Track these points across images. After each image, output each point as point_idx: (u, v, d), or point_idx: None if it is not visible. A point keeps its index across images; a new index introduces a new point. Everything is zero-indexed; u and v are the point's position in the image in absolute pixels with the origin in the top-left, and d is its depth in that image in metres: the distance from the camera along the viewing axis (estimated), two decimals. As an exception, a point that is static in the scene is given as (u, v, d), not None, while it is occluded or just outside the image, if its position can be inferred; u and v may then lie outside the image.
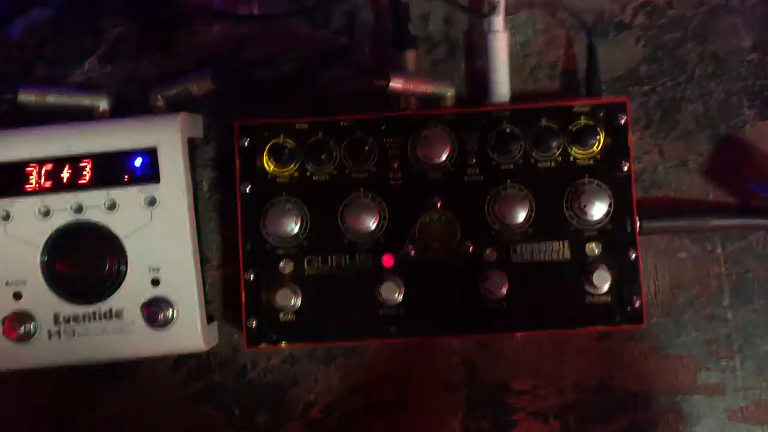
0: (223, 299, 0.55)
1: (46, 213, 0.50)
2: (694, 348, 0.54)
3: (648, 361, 0.55)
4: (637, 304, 0.51)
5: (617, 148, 0.51)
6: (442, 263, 0.51)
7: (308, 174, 0.52)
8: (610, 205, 0.51)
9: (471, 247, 0.51)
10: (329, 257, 0.51)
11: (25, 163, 0.50)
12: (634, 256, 0.51)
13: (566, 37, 0.56)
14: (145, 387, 0.55)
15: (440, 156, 0.51)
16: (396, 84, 0.51)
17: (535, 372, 0.55)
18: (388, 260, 0.51)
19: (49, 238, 0.50)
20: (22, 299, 0.50)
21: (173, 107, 0.53)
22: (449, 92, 0.54)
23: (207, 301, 0.53)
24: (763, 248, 0.55)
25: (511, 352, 0.55)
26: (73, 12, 0.56)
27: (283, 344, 0.52)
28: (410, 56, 0.54)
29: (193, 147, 0.53)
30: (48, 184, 0.50)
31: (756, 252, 0.55)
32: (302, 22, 0.56)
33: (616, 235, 0.51)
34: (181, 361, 0.55)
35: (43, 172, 0.50)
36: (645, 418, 0.54)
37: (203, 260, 0.53)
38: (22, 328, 0.50)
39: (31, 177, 0.50)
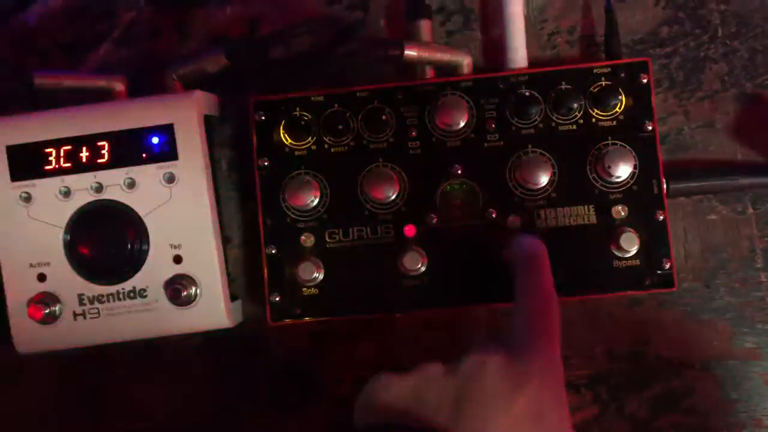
0: (247, 278, 0.54)
1: (67, 194, 0.50)
2: (728, 312, 0.53)
3: (681, 328, 0.53)
4: (667, 266, 0.50)
5: (640, 108, 0.50)
6: (464, 231, 0.50)
7: (326, 146, 0.51)
8: (635, 166, 0.49)
9: (494, 214, 0.50)
10: (350, 229, 0.51)
11: (44, 145, 0.50)
12: (662, 217, 0.50)
13: (584, 0, 0.55)
14: (172, 365, 0.55)
15: (458, 123, 0.50)
16: (411, 52, 0.51)
17: (565, 341, 0.53)
18: (410, 230, 0.50)
19: (70, 219, 0.50)
20: (47, 281, 0.50)
21: (189, 88, 0.53)
22: (466, 60, 0.53)
23: (230, 279, 0.52)
24: (796, 207, 0.53)
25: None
26: (87, -3, 0.57)
27: (307, 319, 0.51)
28: (425, 26, 0.53)
29: (210, 125, 0.53)
30: (67, 164, 0.50)
31: (788, 212, 0.53)
32: (316, -2, 0.56)
33: (642, 197, 0.50)
34: (208, 338, 0.54)
35: (61, 153, 0.50)
36: (679, 386, 0.53)
37: (225, 240, 0.53)
38: (48, 309, 0.50)
39: (50, 158, 0.50)
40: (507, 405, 0.38)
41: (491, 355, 0.40)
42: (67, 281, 0.50)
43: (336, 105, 0.51)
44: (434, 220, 0.50)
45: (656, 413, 0.53)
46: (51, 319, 0.50)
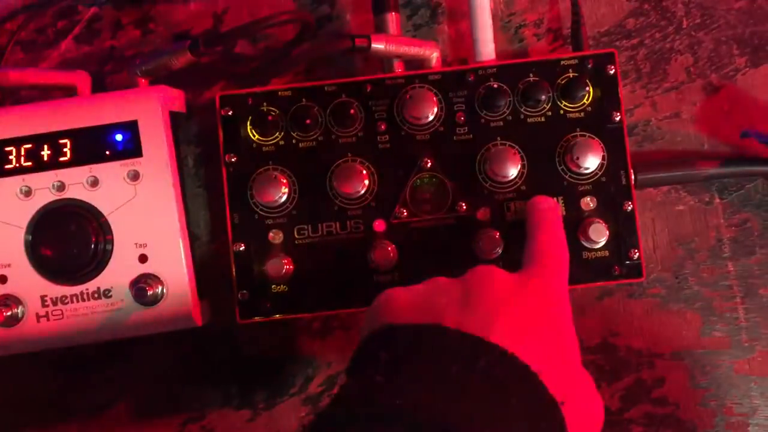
0: (215, 276, 0.53)
1: (28, 193, 0.49)
2: (696, 302, 0.53)
3: (650, 318, 0.53)
4: (636, 257, 0.50)
5: (607, 99, 0.50)
6: (434, 225, 0.50)
7: (294, 141, 0.51)
8: (603, 157, 0.50)
9: (464, 207, 0.50)
10: (319, 225, 0.50)
11: (4, 143, 0.49)
12: (630, 207, 0.50)
13: (550, -7, 0.55)
14: (139, 362, 0.54)
15: (427, 116, 0.50)
16: (378, 44, 0.50)
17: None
18: (379, 225, 0.50)
19: (32, 219, 0.49)
20: (8, 282, 0.49)
21: (155, 84, 0.52)
22: (434, 53, 0.53)
23: (198, 277, 0.51)
24: (762, 197, 0.54)
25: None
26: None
27: (277, 316, 0.50)
28: (392, 19, 0.53)
29: (176, 122, 0.52)
30: (28, 163, 0.49)
31: (754, 201, 0.54)
32: (282, -8, 0.55)
33: (611, 188, 0.50)
34: (176, 336, 0.53)
35: (22, 151, 0.49)
36: (650, 376, 0.53)
37: (192, 237, 0.52)
38: (9, 312, 0.48)
39: (10, 157, 0.49)
40: (514, 301, 0.39)
41: (498, 269, 0.42)
42: (29, 282, 0.49)
43: (304, 100, 0.51)
44: (404, 215, 0.50)
45: (627, 404, 0.53)
46: (13, 321, 0.49)
